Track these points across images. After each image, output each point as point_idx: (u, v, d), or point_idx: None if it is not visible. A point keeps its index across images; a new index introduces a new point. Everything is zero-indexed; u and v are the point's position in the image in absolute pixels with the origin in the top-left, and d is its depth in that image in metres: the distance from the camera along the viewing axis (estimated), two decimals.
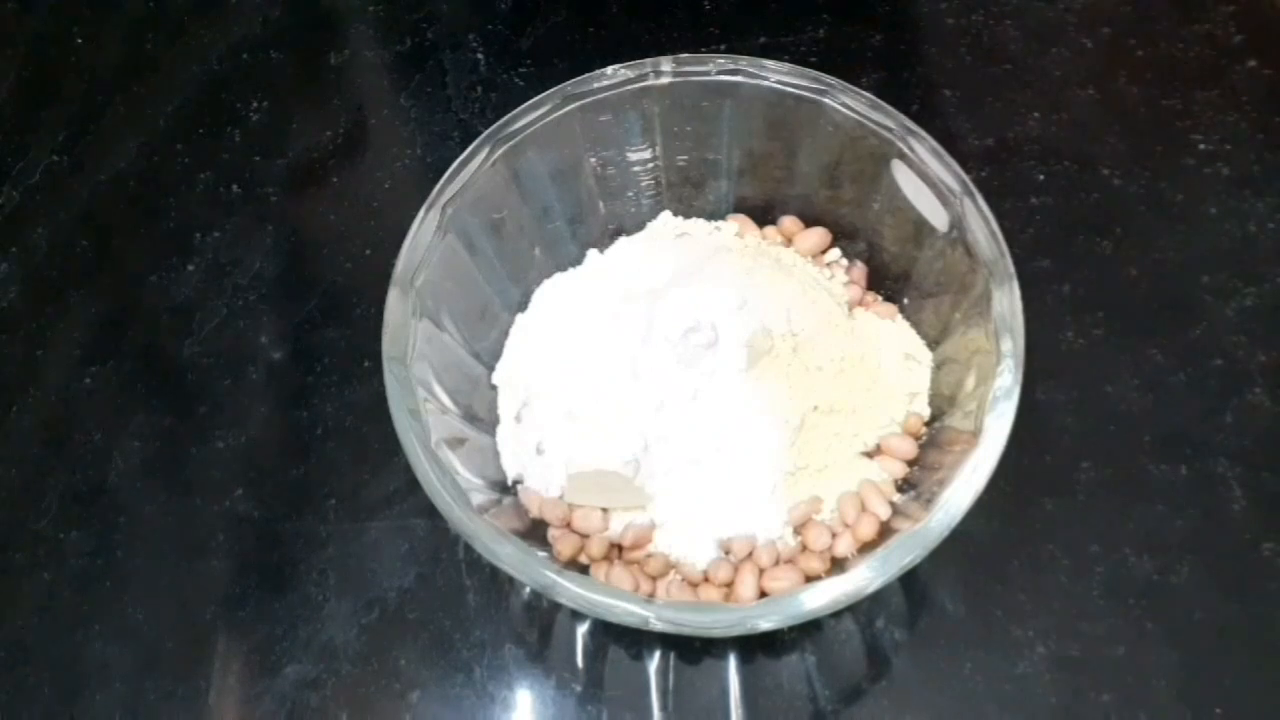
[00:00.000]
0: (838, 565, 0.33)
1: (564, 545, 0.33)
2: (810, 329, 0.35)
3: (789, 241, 0.39)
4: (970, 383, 0.33)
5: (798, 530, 0.34)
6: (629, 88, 0.36)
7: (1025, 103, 0.45)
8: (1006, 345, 0.31)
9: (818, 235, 0.39)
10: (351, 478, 0.39)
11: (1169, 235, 0.42)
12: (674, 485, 0.33)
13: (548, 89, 0.36)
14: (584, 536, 0.34)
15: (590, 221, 0.40)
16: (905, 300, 0.38)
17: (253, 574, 0.38)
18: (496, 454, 0.36)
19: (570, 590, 0.29)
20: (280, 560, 0.38)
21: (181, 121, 0.48)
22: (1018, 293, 0.32)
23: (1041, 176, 0.43)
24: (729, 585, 0.33)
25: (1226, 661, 0.35)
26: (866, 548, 0.33)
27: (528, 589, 0.37)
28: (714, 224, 0.40)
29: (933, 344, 0.37)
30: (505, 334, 0.38)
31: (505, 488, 0.36)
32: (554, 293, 0.39)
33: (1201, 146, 0.43)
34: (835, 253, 0.39)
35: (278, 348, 0.42)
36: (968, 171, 0.34)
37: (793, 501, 0.34)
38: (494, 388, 0.37)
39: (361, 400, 0.40)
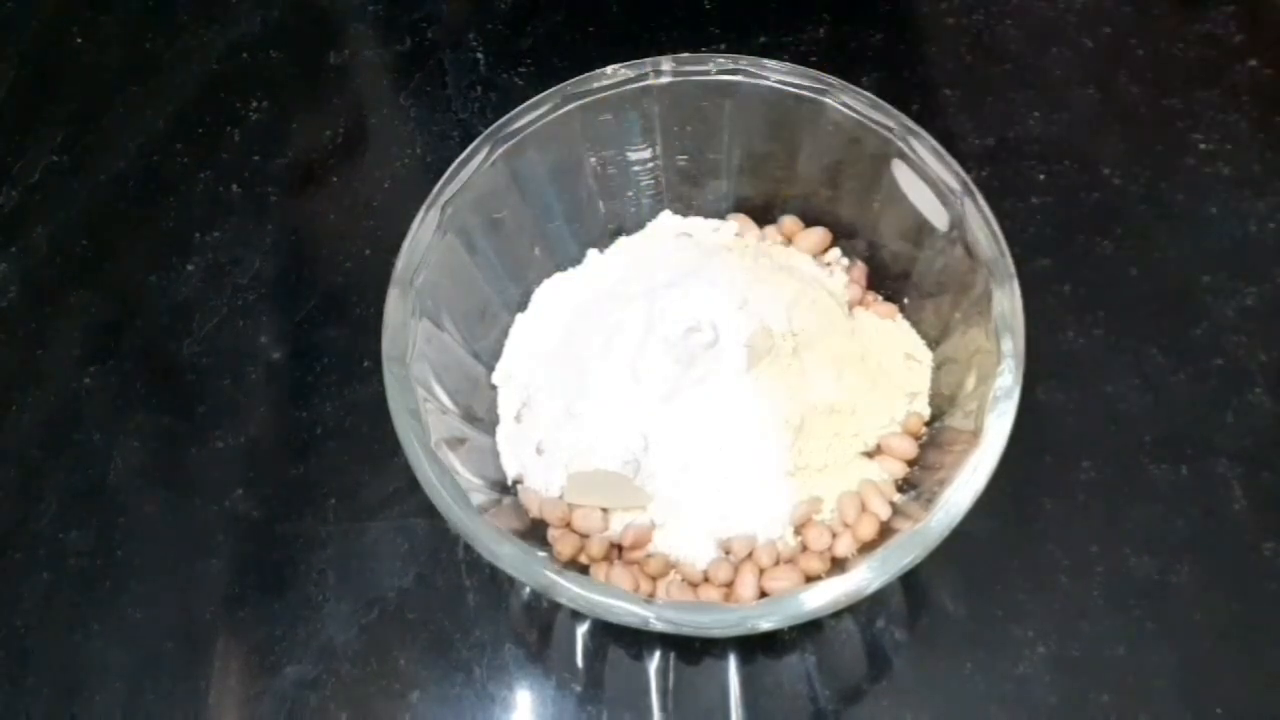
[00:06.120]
0: (838, 565, 0.33)
1: (564, 545, 0.33)
2: (810, 329, 0.35)
3: (789, 241, 0.39)
4: (970, 382, 0.33)
5: (798, 530, 0.34)
6: (629, 87, 0.36)
7: (1025, 102, 0.45)
8: (1007, 345, 0.31)
9: (818, 235, 0.39)
10: (351, 478, 0.39)
11: (1169, 235, 0.42)
12: (674, 485, 0.33)
13: (548, 89, 0.36)
14: (584, 536, 0.34)
15: (590, 221, 0.40)
16: (905, 300, 0.38)
17: (253, 574, 0.38)
18: (496, 454, 0.36)
19: (570, 590, 0.29)
20: (280, 560, 0.38)
21: (181, 121, 0.48)
22: (1018, 292, 0.32)
23: (1042, 176, 0.43)
24: (729, 585, 0.33)
25: (1226, 661, 0.35)
26: (866, 548, 0.32)
27: (528, 589, 0.37)
28: (714, 224, 0.40)
29: (933, 344, 0.37)
30: (505, 334, 0.38)
31: (505, 488, 0.36)
32: (554, 293, 0.39)
33: (1201, 146, 0.43)
34: (835, 252, 0.39)
35: (278, 348, 0.42)
36: (968, 171, 0.34)
37: (793, 501, 0.34)
38: (494, 388, 0.37)
39: (361, 400, 0.40)
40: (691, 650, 0.36)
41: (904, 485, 0.35)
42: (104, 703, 0.36)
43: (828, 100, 0.35)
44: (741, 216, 0.40)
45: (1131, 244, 0.42)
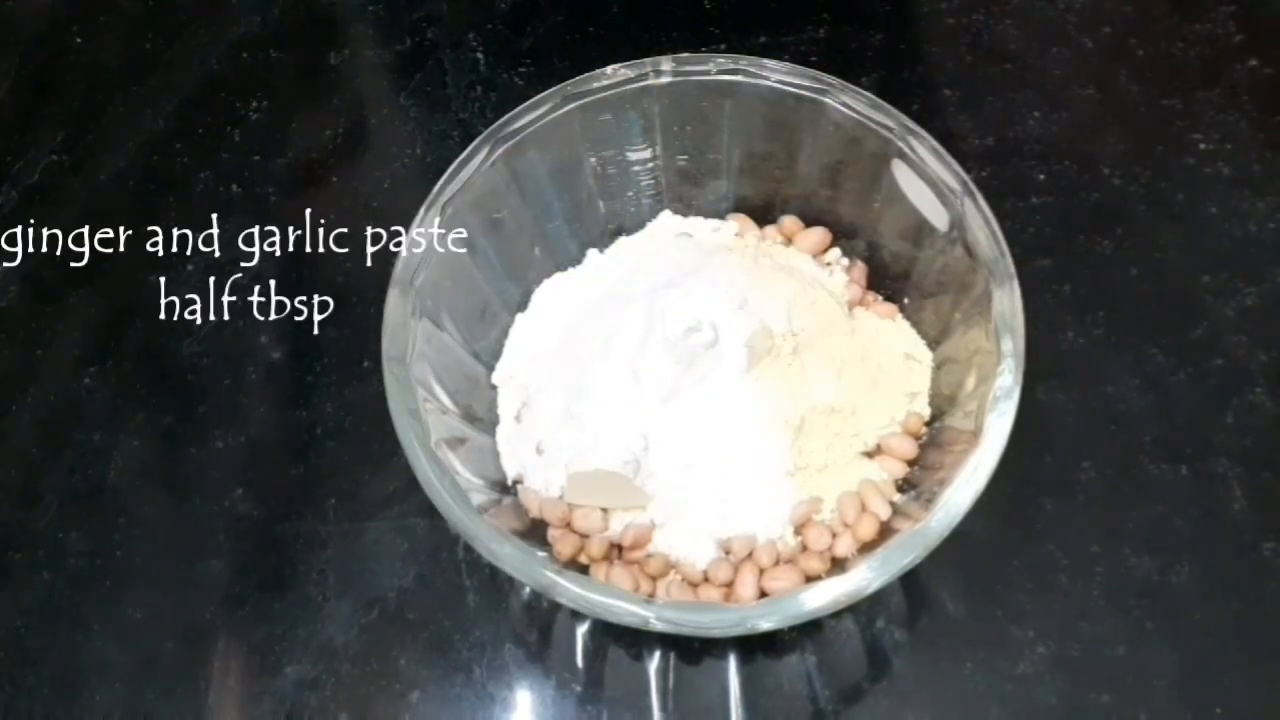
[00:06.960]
0: (838, 565, 0.33)
1: (564, 545, 0.33)
2: (810, 329, 0.35)
3: (789, 241, 0.39)
4: (970, 382, 0.33)
5: (798, 530, 0.34)
6: (629, 87, 0.36)
7: (1025, 102, 0.45)
8: (1007, 345, 0.31)
9: (818, 235, 0.39)
10: (351, 478, 0.39)
11: (1169, 235, 0.42)
12: (674, 485, 0.33)
13: (548, 89, 0.36)
14: (584, 536, 0.34)
15: (590, 221, 0.39)
16: (905, 300, 0.38)
17: (253, 574, 0.38)
18: (496, 454, 0.36)
19: (570, 590, 0.29)
20: (280, 560, 0.38)
21: (181, 121, 0.48)
22: (1018, 292, 0.32)
23: (1041, 176, 0.43)
24: (729, 585, 0.33)
25: (1226, 661, 0.35)
26: (866, 548, 0.32)
27: (528, 589, 0.37)
28: (714, 224, 0.40)
29: (933, 344, 0.37)
30: (505, 334, 0.38)
31: (505, 488, 0.36)
32: (554, 293, 0.39)
33: (1201, 146, 0.43)
34: (835, 252, 0.39)
35: (278, 348, 0.42)
36: (968, 171, 0.34)
37: (793, 501, 0.34)
38: (494, 388, 0.37)
39: (361, 400, 0.40)
40: (691, 650, 0.36)
41: (904, 485, 0.35)
42: (104, 703, 0.36)
43: (828, 100, 0.35)
44: (741, 216, 0.40)
45: (1131, 244, 0.42)
